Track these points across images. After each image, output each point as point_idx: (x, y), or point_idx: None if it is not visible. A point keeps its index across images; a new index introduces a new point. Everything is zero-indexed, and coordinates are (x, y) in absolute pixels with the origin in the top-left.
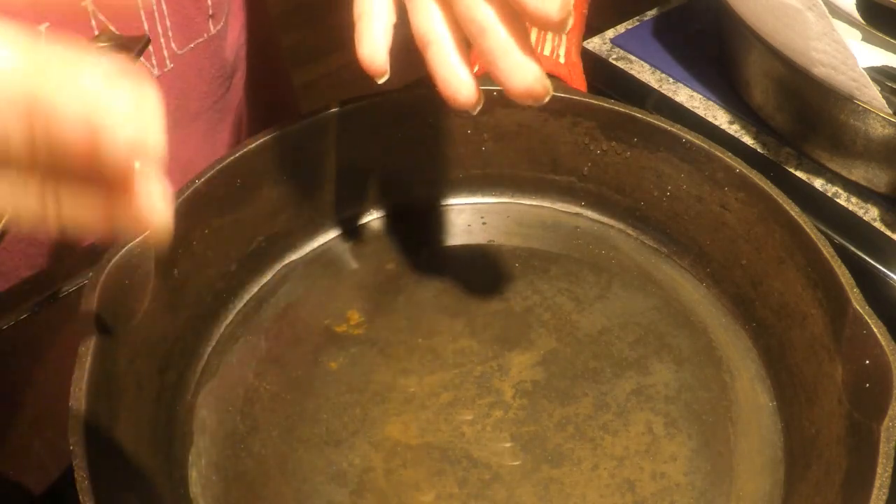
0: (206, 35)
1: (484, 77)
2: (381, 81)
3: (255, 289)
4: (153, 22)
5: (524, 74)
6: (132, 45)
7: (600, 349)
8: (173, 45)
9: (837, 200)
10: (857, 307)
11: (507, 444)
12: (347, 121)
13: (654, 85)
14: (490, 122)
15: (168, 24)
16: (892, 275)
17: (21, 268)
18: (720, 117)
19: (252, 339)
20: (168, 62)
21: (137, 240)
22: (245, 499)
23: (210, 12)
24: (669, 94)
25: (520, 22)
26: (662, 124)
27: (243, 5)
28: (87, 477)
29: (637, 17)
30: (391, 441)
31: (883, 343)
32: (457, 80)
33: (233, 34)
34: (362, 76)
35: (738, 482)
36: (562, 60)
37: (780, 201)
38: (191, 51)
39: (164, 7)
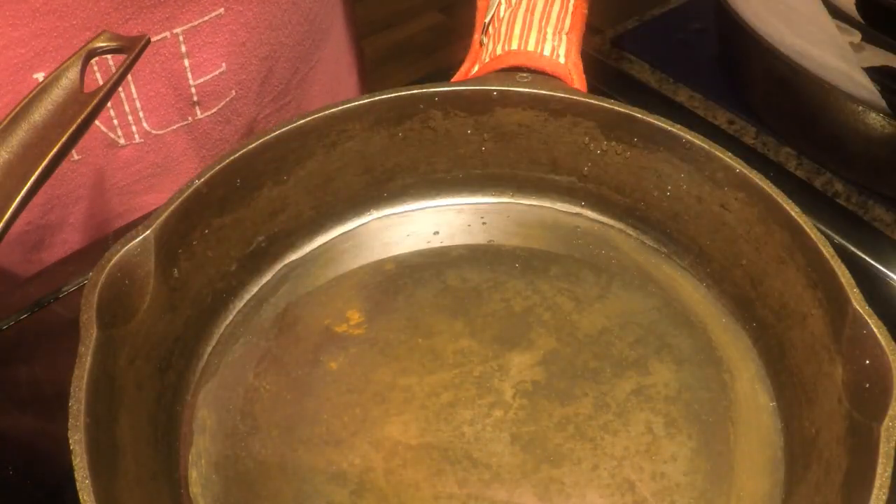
0: (190, 119)
1: (484, 77)
2: None
3: (255, 289)
4: (118, 101)
5: None
6: (132, 45)
7: (600, 349)
8: (145, 124)
9: (837, 200)
10: (857, 307)
11: (507, 444)
12: (347, 121)
13: (654, 85)
14: (490, 122)
15: (137, 105)
16: (892, 275)
17: (21, 268)
18: (720, 117)
19: (252, 339)
20: (137, 137)
21: (138, 239)
22: (245, 499)
23: (195, 99)
24: (669, 94)
25: None
26: (662, 124)
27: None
28: (88, 477)
29: (637, 17)
30: (391, 441)
31: (883, 343)
32: None
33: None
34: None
35: (738, 482)
36: (562, 60)
37: (780, 201)
38: (171, 132)
39: (132, 90)
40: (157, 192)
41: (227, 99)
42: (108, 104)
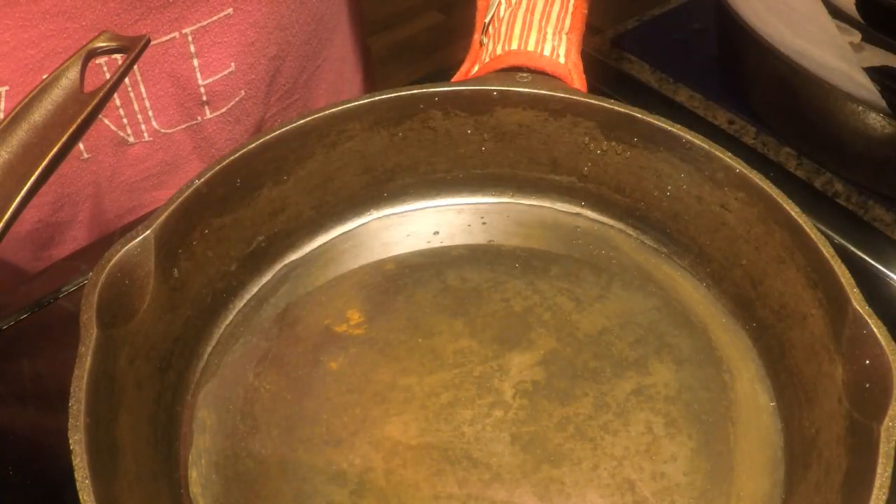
0: (199, 118)
1: (484, 77)
2: None
3: (255, 289)
4: (127, 100)
5: None
6: (132, 45)
7: (600, 349)
8: (154, 123)
9: (837, 200)
10: (857, 307)
11: (507, 444)
12: (347, 121)
13: (654, 85)
14: (490, 122)
15: (147, 104)
16: (892, 275)
17: (31, 265)
18: (720, 117)
19: (252, 339)
20: (146, 135)
21: (138, 239)
22: (245, 499)
23: (203, 99)
24: (669, 94)
25: None
26: (662, 124)
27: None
28: (88, 477)
29: (637, 17)
30: (391, 441)
31: (883, 343)
32: None
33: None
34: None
35: (738, 482)
36: (562, 60)
37: (780, 201)
38: (181, 131)
39: (142, 89)
40: (166, 189)
41: (237, 99)
42: (118, 103)
